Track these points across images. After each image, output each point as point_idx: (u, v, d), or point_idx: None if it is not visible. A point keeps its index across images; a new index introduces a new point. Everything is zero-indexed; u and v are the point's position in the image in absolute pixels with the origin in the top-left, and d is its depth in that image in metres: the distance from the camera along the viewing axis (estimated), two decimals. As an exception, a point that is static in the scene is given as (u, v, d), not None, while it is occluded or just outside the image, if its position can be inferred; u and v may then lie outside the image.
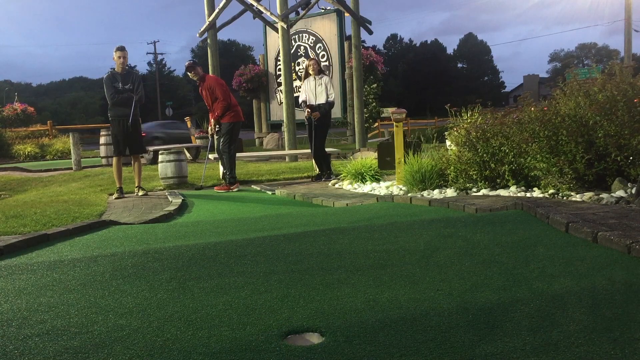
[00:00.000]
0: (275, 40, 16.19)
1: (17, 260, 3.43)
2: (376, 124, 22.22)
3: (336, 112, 17.74)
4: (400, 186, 6.45)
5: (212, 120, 8.02)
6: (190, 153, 13.65)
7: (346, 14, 15.79)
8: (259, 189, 8.01)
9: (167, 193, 7.60)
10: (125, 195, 7.46)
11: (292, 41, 17.14)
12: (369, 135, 20.32)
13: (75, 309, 2.39)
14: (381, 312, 2.19)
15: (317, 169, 9.02)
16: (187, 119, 19.44)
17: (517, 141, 5.28)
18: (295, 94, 8.61)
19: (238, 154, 9.15)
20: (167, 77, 65.92)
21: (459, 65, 78.28)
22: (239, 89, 19.69)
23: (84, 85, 70.31)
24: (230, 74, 20.12)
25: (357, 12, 15.01)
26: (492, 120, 5.89)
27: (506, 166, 5.45)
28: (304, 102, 8.57)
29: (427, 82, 67.98)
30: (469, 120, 6.33)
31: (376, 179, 7.30)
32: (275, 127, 20.08)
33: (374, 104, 19.69)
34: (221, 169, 9.12)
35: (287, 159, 12.29)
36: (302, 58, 18.00)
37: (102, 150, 13.38)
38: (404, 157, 6.52)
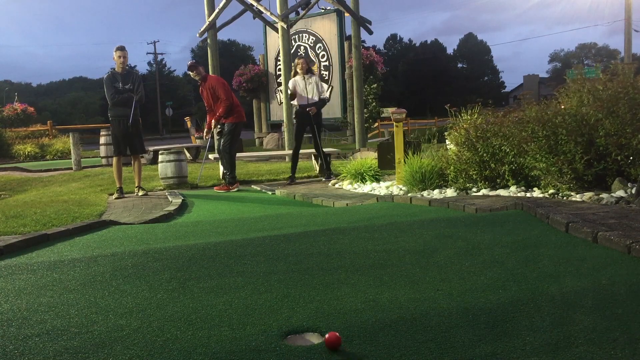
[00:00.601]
0: (275, 40, 16.19)
1: (17, 260, 3.42)
2: (376, 124, 22.21)
3: (336, 112, 17.77)
4: (400, 186, 6.45)
5: (213, 120, 7.94)
6: (190, 153, 13.64)
7: (346, 14, 15.80)
8: (259, 189, 8.01)
9: (167, 193, 7.60)
10: (125, 195, 7.46)
11: (292, 41, 17.14)
12: (369, 135, 20.32)
13: (75, 309, 2.39)
14: (381, 312, 2.19)
15: (317, 169, 9.02)
16: (187, 119, 19.44)
17: (516, 141, 5.28)
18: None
19: (238, 154, 9.14)
20: (167, 77, 65.91)
21: (459, 65, 78.25)
22: (239, 89, 19.69)
23: (84, 85, 70.26)
24: (230, 74, 20.10)
25: (357, 12, 15.01)
26: (492, 119, 5.89)
27: (506, 166, 5.45)
28: (293, 95, 8.44)
29: (427, 82, 67.95)
30: (468, 120, 6.33)
31: (376, 179, 7.30)
32: (275, 127, 20.08)
33: (374, 104, 19.69)
34: (221, 168, 9.11)
35: (287, 159, 12.28)
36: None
37: (102, 150, 13.38)
38: (404, 157, 6.52)
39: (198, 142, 15.39)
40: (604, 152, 4.76)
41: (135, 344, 1.98)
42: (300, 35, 17.88)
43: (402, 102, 43.23)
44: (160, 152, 9.25)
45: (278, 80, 17.76)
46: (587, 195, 4.63)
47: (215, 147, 8.25)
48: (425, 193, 5.90)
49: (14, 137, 18.94)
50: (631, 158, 4.69)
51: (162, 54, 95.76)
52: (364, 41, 23.82)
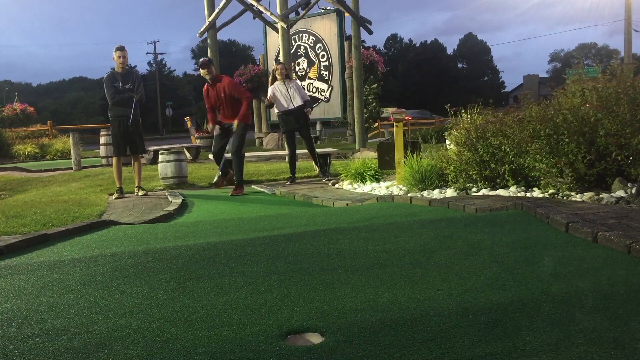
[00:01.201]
0: (275, 40, 16.19)
1: (17, 260, 3.43)
2: (376, 124, 22.22)
3: (336, 112, 17.78)
4: (400, 186, 6.45)
5: (236, 121, 7.57)
6: (190, 153, 13.64)
7: (346, 14, 15.80)
8: (259, 189, 8.01)
9: (167, 193, 7.60)
10: (125, 195, 7.46)
11: (292, 41, 17.14)
12: (369, 135, 20.33)
13: (75, 309, 2.39)
14: (381, 312, 2.19)
15: (317, 169, 9.02)
16: (187, 119, 19.43)
17: (517, 140, 5.28)
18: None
19: None
20: (167, 77, 65.92)
21: (459, 65, 78.26)
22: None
23: (84, 85, 70.25)
24: (230, 74, 20.06)
25: (357, 12, 15.01)
26: (492, 119, 5.89)
27: (506, 166, 5.45)
28: (277, 111, 8.43)
29: (427, 82, 67.95)
30: (469, 120, 6.33)
31: (376, 179, 7.29)
32: (275, 127, 20.07)
33: (374, 104, 19.70)
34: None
35: (287, 159, 12.27)
36: (302, 58, 18.01)
37: (102, 150, 13.38)
38: (404, 157, 6.52)
39: (198, 142, 15.39)
40: (604, 152, 4.76)
41: (135, 344, 1.98)
42: (300, 35, 17.88)
43: (402, 102, 43.21)
44: (160, 152, 9.26)
45: (278, 80, 17.73)
46: (587, 195, 4.63)
47: (216, 148, 7.90)
48: (425, 193, 5.90)
49: (14, 137, 18.94)
50: (631, 158, 4.69)
51: (162, 54, 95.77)
52: (364, 41, 23.83)
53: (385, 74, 23.91)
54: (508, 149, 5.40)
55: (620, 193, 4.48)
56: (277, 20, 12.94)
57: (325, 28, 17.29)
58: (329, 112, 17.80)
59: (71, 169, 11.89)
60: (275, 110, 8.55)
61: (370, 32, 15.55)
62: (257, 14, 14.99)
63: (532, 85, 51.64)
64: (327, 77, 17.56)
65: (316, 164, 8.87)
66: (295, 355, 1.83)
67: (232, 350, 1.89)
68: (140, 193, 7.56)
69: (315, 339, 1.99)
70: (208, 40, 14.25)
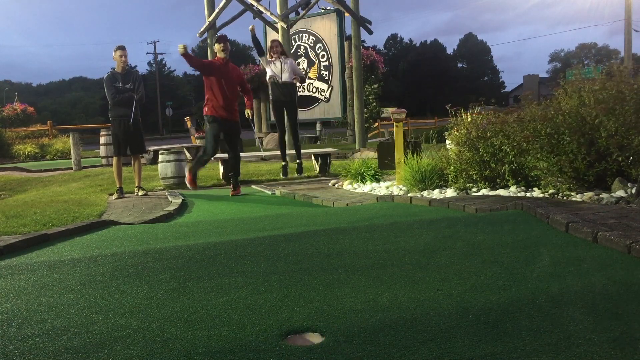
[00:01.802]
0: (275, 40, 16.17)
1: (17, 260, 3.42)
2: (376, 124, 22.23)
3: (336, 112, 17.79)
4: (400, 186, 6.45)
5: (224, 113, 7.01)
6: (190, 153, 13.64)
7: (346, 14, 15.80)
8: (259, 189, 8.01)
9: (167, 193, 7.60)
10: (125, 195, 7.46)
11: (292, 41, 17.14)
12: (369, 135, 20.33)
13: (75, 309, 2.39)
14: (381, 312, 2.19)
15: (317, 169, 9.01)
16: (187, 119, 19.43)
17: (517, 140, 5.28)
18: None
19: None
20: (167, 77, 65.94)
21: (459, 65, 78.31)
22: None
23: (84, 85, 70.28)
24: (230, 74, 20.10)
25: (357, 12, 15.01)
26: (493, 119, 5.89)
27: (506, 166, 5.45)
28: (272, 79, 8.07)
29: (427, 82, 67.98)
30: (469, 120, 6.33)
31: (376, 179, 7.30)
32: (275, 127, 20.07)
33: (374, 104, 19.71)
34: (221, 169, 9.10)
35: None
36: (302, 58, 18.01)
37: (102, 150, 13.39)
38: (404, 157, 6.53)
39: (198, 142, 15.38)
40: (605, 152, 4.76)
41: (135, 344, 1.98)
42: (300, 35, 17.88)
43: (402, 102, 43.21)
44: (160, 152, 9.26)
45: (278, 80, 17.74)
46: (587, 195, 4.63)
47: (213, 150, 7.35)
48: (425, 193, 5.90)
49: (14, 137, 18.95)
50: (631, 158, 4.69)
51: (162, 54, 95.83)
52: (364, 41, 23.83)
53: (385, 74, 23.93)
54: (508, 149, 5.40)
55: (620, 193, 4.48)
56: (277, 20, 12.94)
57: (325, 28, 17.29)
58: (329, 112, 17.80)
59: (71, 169, 11.90)
60: (267, 78, 8.21)
61: (370, 32, 15.55)
62: (257, 14, 14.99)
63: (532, 85, 51.60)
64: (327, 77, 17.56)
65: (297, 151, 8.66)
66: (295, 355, 1.83)
67: (232, 350, 1.89)
68: (140, 193, 7.56)
69: (315, 339, 1.99)
70: (208, 40, 14.24)
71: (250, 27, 8.19)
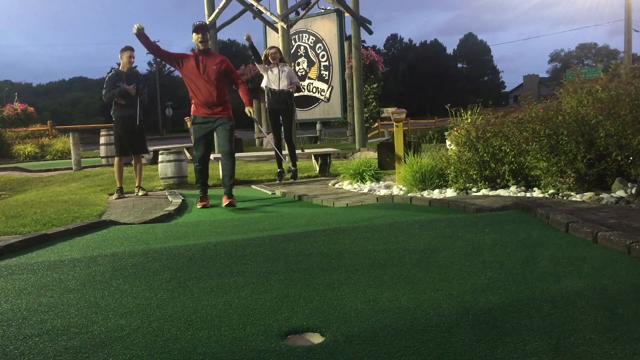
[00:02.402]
0: (275, 40, 16.16)
1: (17, 260, 3.42)
2: (376, 124, 22.23)
3: (336, 112, 17.78)
4: (400, 186, 6.45)
5: (205, 110, 6.17)
6: (190, 153, 13.64)
7: (346, 14, 15.80)
8: (259, 189, 8.01)
9: (167, 193, 7.60)
10: (125, 195, 7.46)
11: (292, 41, 17.14)
12: (369, 135, 20.33)
13: (75, 309, 2.39)
14: (381, 312, 2.19)
15: (317, 169, 9.01)
16: (187, 119, 19.40)
17: (517, 141, 5.28)
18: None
19: (238, 154, 9.09)
20: (167, 77, 65.95)
21: (459, 65, 78.34)
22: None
23: (84, 85, 70.30)
24: (231, 73, 20.08)
25: (357, 12, 15.01)
26: (492, 119, 5.89)
27: (506, 166, 5.45)
28: (267, 87, 8.13)
29: (427, 82, 68.02)
30: (469, 120, 6.34)
31: (376, 179, 7.30)
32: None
33: (374, 104, 19.71)
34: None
35: (287, 159, 12.28)
36: (302, 58, 18.01)
37: (102, 150, 13.39)
38: (404, 157, 6.53)
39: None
40: (604, 152, 4.76)
41: (135, 344, 1.98)
42: (300, 35, 17.88)
43: (402, 102, 43.21)
44: (160, 152, 9.26)
45: (278, 80, 17.74)
46: (587, 195, 4.63)
47: (201, 153, 6.33)
48: (425, 193, 5.90)
49: (14, 137, 18.95)
50: (631, 158, 4.69)
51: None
52: (364, 41, 23.84)
53: (385, 74, 23.93)
54: (508, 149, 5.40)
55: (620, 193, 4.48)
56: (277, 20, 12.94)
57: (325, 28, 17.29)
58: (329, 112, 17.80)
59: (71, 169, 11.89)
60: (263, 85, 8.30)
61: (370, 32, 15.56)
62: (257, 14, 14.99)
63: (532, 86, 51.65)
64: (327, 77, 17.56)
65: (292, 158, 8.66)
66: (295, 355, 1.82)
67: (232, 350, 1.89)
68: (140, 193, 7.56)
69: (315, 339, 1.99)
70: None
71: (246, 36, 8.04)
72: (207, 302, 2.40)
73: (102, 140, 13.45)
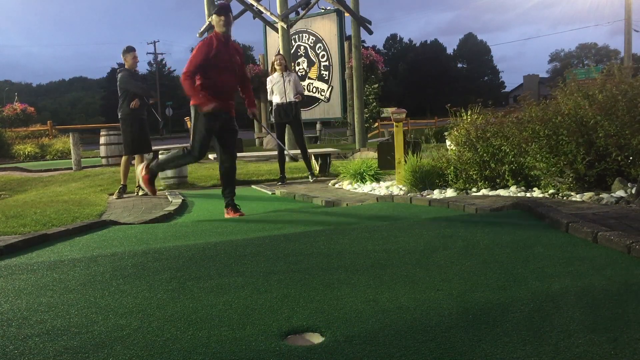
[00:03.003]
0: (275, 40, 16.19)
1: (17, 260, 3.42)
2: (376, 124, 22.23)
3: (336, 112, 17.79)
4: (400, 186, 6.45)
5: (223, 105, 5.26)
6: (190, 153, 13.61)
7: (346, 14, 15.80)
8: (259, 189, 8.01)
9: (167, 193, 7.60)
10: (124, 196, 7.47)
11: (292, 41, 17.14)
12: (369, 135, 20.34)
13: (75, 309, 2.39)
14: (381, 312, 2.19)
15: (316, 169, 9.01)
16: (187, 119, 19.41)
17: (517, 141, 5.28)
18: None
19: (238, 154, 9.08)
20: (167, 77, 65.98)
21: (459, 65, 78.36)
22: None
23: (84, 85, 70.36)
24: (231, 73, 20.07)
25: (357, 12, 15.01)
26: (492, 119, 5.90)
27: (506, 166, 5.45)
28: (273, 102, 8.31)
29: (427, 82, 68.04)
30: (469, 120, 6.34)
31: (376, 179, 7.30)
32: (275, 127, 20.04)
33: (374, 104, 19.71)
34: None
35: (287, 159, 12.28)
36: (302, 58, 18.01)
37: (102, 150, 13.38)
38: (404, 157, 6.53)
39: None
40: (604, 152, 4.76)
41: (135, 344, 1.98)
42: (300, 35, 17.88)
43: (402, 102, 43.23)
44: (160, 152, 9.25)
45: (278, 80, 17.75)
46: (587, 195, 4.63)
47: (196, 146, 5.34)
48: (425, 193, 5.90)
49: (14, 137, 18.96)
50: (631, 158, 4.69)
51: (162, 54, 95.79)
52: (363, 41, 23.83)
53: (385, 74, 23.94)
54: (508, 149, 5.40)
55: (620, 193, 4.48)
56: (277, 20, 12.94)
57: (325, 28, 17.29)
58: (329, 112, 17.81)
59: (71, 169, 11.89)
60: (270, 98, 8.46)
61: (370, 32, 15.56)
62: (257, 14, 14.99)
63: (532, 85, 51.66)
64: (327, 77, 17.56)
65: (307, 163, 8.73)
66: (295, 355, 1.82)
67: (232, 350, 1.89)
68: (141, 193, 7.57)
69: (315, 339, 1.99)
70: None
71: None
72: (207, 302, 2.40)
73: (102, 140, 13.45)
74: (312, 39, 17.71)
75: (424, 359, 1.77)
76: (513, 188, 5.37)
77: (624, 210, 3.83)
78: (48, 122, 21.45)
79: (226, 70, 5.26)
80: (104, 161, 13.12)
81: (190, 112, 5.26)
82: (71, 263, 3.23)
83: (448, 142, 7.12)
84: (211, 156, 9.68)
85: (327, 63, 17.46)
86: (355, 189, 7.13)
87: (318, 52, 17.62)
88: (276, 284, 2.64)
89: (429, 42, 77.69)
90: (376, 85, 19.43)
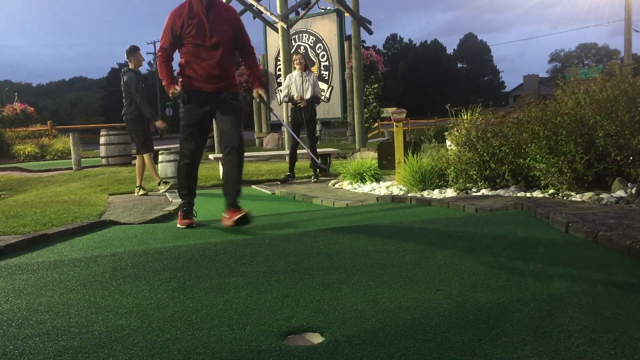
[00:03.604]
0: (275, 40, 16.19)
1: (17, 260, 3.42)
2: (376, 124, 22.23)
3: (336, 112, 17.78)
4: (400, 186, 6.45)
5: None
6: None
7: (346, 14, 15.80)
8: (259, 189, 8.01)
9: (167, 193, 7.60)
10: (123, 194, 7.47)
11: (292, 41, 17.14)
12: (369, 135, 20.34)
13: (75, 309, 2.39)
14: (381, 312, 2.19)
15: (317, 170, 9.00)
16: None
17: (516, 141, 5.29)
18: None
19: None
20: (167, 77, 65.85)
21: (459, 65, 78.35)
22: (239, 88, 19.68)
23: (84, 85, 70.38)
24: (231, 73, 20.06)
25: (357, 12, 15.01)
26: (492, 119, 5.90)
27: (506, 166, 5.45)
28: (287, 96, 8.37)
29: (427, 82, 68.04)
30: (469, 120, 6.34)
31: (376, 179, 7.30)
32: (275, 127, 20.08)
33: (374, 104, 19.71)
34: (221, 168, 9.05)
35: (287, 159, 12.28)
36: (302, 58, 17.98)
37: (102, 150, 13.38)
38: (404, 157, 6.53)
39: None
40: (604, 152, 4.76)
41: (135, 344, 1.98)
42: (300, 35, 17.87)
43: (402, 102, 43.21)
44: (160, 152, 9.25)
45: (278, 81, 17.77)
46: (587, 195, 4.63)
47: (184, 146, 4.58)
48: (425, 193, 5.90)
49: (14, 137, 18.97)
50: (631, 158, 4.69)
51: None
52: (363, 41, 23.84)
53: (385, 74, 23.92)
54: (508, 150, 5.41)
55: (620, 193, 4.48)
56: (277, 20, 12.93)
57: (325, 28, 17.29)
58: (329, 112, 17.80)
59: (71, 169, 11.89)
60: (286, 99, 8.54)
61: (370, 32, 15.55)
62: (257, 14, 14.98)
63: (532, 86, 51.68)
64: (327, 77, 17.56)
65: (314, 164, 8.76)
66: (295, 355, 1.82)
67: (232, 350, 1.89)
68: (141, 192, 7.58)
69: (315, 339, 1.99)
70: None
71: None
72: (207, 302, 2.40)
73: (102, 140, 13.45)
74: (312, 39, 17.71)
75: (424, 359, 1.77)
76: (513, 188, 5.38)
77: (624, 210, 3.83)
78: (48, 122, 21.45)
79: (211, 45, 4.25)
80: (104, 161, 13.12)
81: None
82: (71, 263, 3.23)
83: (448, 142, 7.12)
84: (211, 156, 9.67)
85: (327, 63, 17.46)
86: (355, 189, 7.13)
87: (318, 52, 17.62)
88: (276, 284, 2.64)
89: (429, 42, 77.72)
90: (376, 85, 19.44)
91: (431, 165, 6.21)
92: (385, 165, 7.27)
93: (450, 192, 5.75)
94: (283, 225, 4.46)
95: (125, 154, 13.14)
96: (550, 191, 4.98)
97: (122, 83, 7.46)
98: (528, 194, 5.14)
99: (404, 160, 6.49)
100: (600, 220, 3.48)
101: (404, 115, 6.79)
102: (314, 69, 17.83)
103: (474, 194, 5.56)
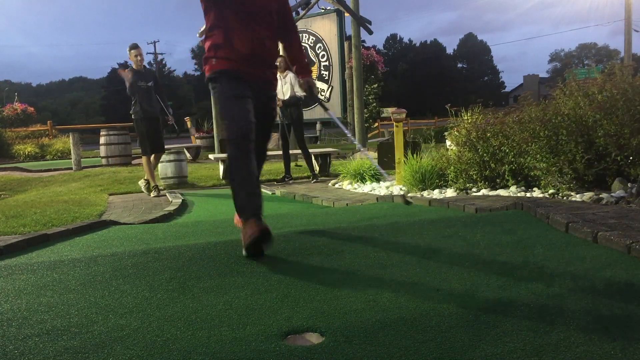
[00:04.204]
0: (275, 40, 16.17)
1: (17, 260, 3.42)
2: (376, 124, 22.23)
3: (336, 112, 17.78)
4: (400, 186, 6.45)
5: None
6: (190, 153, 13.64)
7: (346, 14, 15.80)
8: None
9: (167, 193, 7.60)
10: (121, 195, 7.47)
11: (292, 41, 17.12)
12: (369, 135, 20.33)
13: (75, 309, 2.39)
14: (381, 312, 2.19)
15: (317, 169, 9.01)
16: (187, 119, 19.42)
17: (517, 141, 5.29)
18: None
19: None
20: (168, 77, 65.96)
21: (459, 65, 78.34)
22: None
23: (84, 85, 70.36)
24: (230, 73, 20.04)
25: (357, 12, 15.01)
26: (492, 119, 5.90)
27: (506, 166, 5.45)
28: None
29: (427, 82, 68.03)
30: (469, 120, 6.34)
31: (376, 179, 7.30)
32: (275, 127, 20.05)
33: (374, 104, 19.71)
34: (221, 168, 9.06)
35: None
36: (302, 58, 17.99)
37: (102, 150, 13.39)
38: (404, 157, 6.53)
39: (198, 142, 15.38)
40: (604, 152, 4.76)
41: (135, 344, 1.98)
42: (300, 35, 17.87)
43: (402, 102, 43.21)
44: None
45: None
46: (587, 195, 4.63)
47: (230, 124, 3.36)
48: (425, 193, 5.90)
49: (14, 137, 18.97)
50: (631, 158, 4.69)
51: (162, 54, 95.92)
52: (364, 41, 23.85)
53: (385, 74, 23.93)
54: (508, 149, 5.40)
55: (620, 193, 4.48)
56: (277, 20, 12.92)
57: (325, 28, 17.29)
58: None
59: (71, 169, 11.90)
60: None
61: (370, 32, 15.55)
62: (257, 14, 14.96)
63: (532, 85, 51.70)
64: (327, 77, 17.56)
65: (309, 165, 8.77)
66: (295, 355, 1.82)
67: (232, 350, 1.89)
68: (153, 194, 7.60)
69: (315, 339, 1.99)
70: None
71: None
72: (207, 302, 2.40)
73: (102, 140, 13.46)
74: (312, 39, 17.71)
75: (424, 359, 1.77)
76: (513, 188, 5.38)
77: (624, 210, 3.83)
78: (48, 122, 21.45)
79: (255, 18, 3.32)
80: (104, 161, 13.13)
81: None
82: (71, 263, 3.23)
83: (448, 142, 7.12)
84: (211, 156, 9.67)
85: (327, 63, 17.46)
86: (355, 189, 7.13)
87: (318, 52, 17.61)
88: (276, 284, 2.64)
89: (429, 42, 77.69)
90: (376, 85, 19.44)
91: (431, 165, 6.21)
92: (385, 165, 7.28)
93: (450, 192, 5.75)
94: (283, 225, 4.46)
95: (125, 154, 13.15)
96: (550, 191, 4.98)
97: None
98: (528, 194, 5.14)
99: (404, 160, 6.49)
100: (600, 220, 3.48)
101: (404, 115, 6.79)
102: (314, 69, 17.83)
103: (474, 194, 5.56)
